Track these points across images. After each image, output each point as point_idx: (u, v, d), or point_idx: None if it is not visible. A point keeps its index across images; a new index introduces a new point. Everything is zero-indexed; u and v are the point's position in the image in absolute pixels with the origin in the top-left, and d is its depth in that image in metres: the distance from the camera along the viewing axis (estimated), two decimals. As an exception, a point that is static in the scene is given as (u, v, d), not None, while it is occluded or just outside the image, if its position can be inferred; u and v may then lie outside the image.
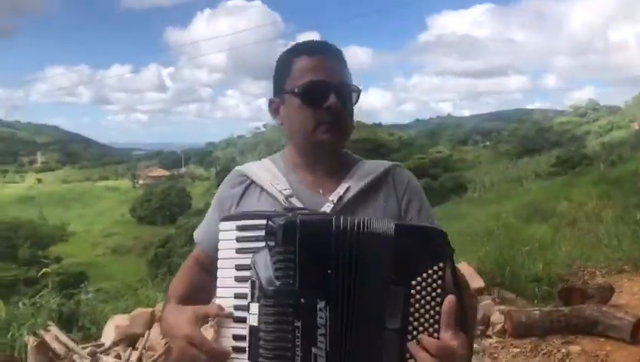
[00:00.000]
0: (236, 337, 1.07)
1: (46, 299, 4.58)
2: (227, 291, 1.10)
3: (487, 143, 77.50)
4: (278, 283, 1.03)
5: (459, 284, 1.10)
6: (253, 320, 1.05)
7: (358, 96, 1.35)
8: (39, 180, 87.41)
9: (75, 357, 3.89)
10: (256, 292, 1.05)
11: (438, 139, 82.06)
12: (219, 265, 1.13)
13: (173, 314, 1.18)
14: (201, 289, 1.29)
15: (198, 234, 1.42)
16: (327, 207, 1.28)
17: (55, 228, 48.38)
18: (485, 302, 4.48)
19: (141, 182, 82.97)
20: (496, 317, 4.29)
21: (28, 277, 21.60)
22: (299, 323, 1.02)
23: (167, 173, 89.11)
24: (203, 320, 1.12)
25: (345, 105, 1.30)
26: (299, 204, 1.28)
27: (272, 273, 1.03)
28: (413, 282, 1.04)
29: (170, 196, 60.20)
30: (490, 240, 6.44)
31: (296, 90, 1.28)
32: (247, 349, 1.06)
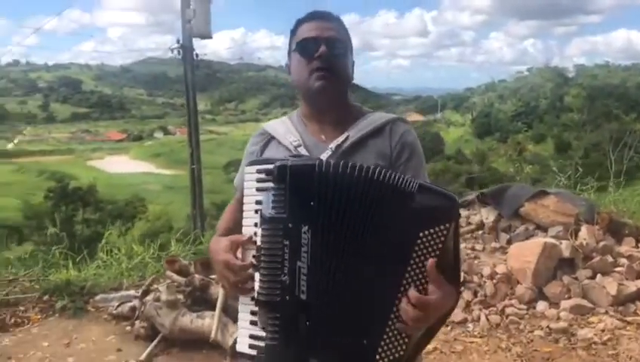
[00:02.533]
0: (254, 256, 1.33)
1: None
2: (249, 221, 1.36)
3: None
4: (273, 212, 1.28)
5: (458, 242, 1.29)
6: (259, 241, 1.30)
7: (352, 53, 1.56)
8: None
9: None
10: (260, 220, 1.30)
11: None
12: (244, 201, 1.38)
13: (215, 244, 1.46)
14: (239, 226, 1.43)
15: (235, 180, 1.67)
16: (326, 154, 1.48)
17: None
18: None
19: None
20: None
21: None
22: (287, 243, 1.26)
23: (422, 118, 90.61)
24: (236, 246, 1.38)
25: (336, 55, 1.49)
26: (305, 153, 1.50)
27: (270, 205, 1.29)
28: (421, 234, 1.21)
29: (424, 141, 60.95)
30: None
31: (294, 47, 1.53)
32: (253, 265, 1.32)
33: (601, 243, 4.48)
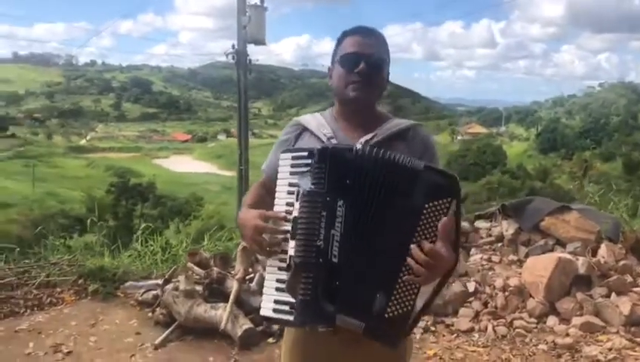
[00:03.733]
0: (284, 231, 1.52)
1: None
2: (282, 201, 1.56)
3: None
4: (313, 187, 1.47)
5: (459, 219, 1.47)
6: (295, 213, 1.49)
7: (388, 67, 1.74)
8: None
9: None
10: (299, 196, 1.49)
11: None
12: (278, 183, 1.58)
13: (245, 213, 1.64)
14: (262, 203, 1.70)
15: (264, 166, 1.85)
16: (359, 145, 1.63)
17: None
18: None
19: (459, 137, 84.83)
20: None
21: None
22: (324, 213, 1.45)
23: (485, 130, 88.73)
24: (266, 218, 1.56)
25: (373, 71, 1.67)
26: None
27: (310, 182, 1.48)
28: (427, 204, 1.42)
29: (485, 154, 60.50)
30: None
31: (338, 59, 1.72)
32: (289, 234, 1.50)
33: (622, 262, 4.38)
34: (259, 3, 11.37)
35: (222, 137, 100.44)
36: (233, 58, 11.84)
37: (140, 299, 4.66)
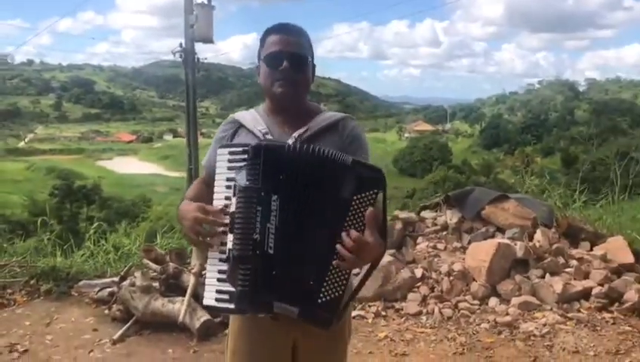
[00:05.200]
0: (224, 224, 1.59)
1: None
2: (220, 195, 1.63)
3: None
4: (248, 183, 1.55)
5: (385, 209, 1.62)
6: (232, 208, 1.57)
7: (312, 63, 1.82)
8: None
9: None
10: (236, 191, 1.56)
11: None
12: (216, 178, 1.65)
13: (185, 205, 1.71)
14: (202, 198, 1.74)
15: (204, 161, 1.90)
16: (291, 141, 1.71)
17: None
18: (625, 277, 4.48)
19: (406, 135, 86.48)
20: (630, 295, 4.27)
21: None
22: (259, 208, 1.54)
23: (431, 127, 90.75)
24: (205, 211, 1.62)
25: (296, 68, 1.74)
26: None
27: (245, 178, 1.55)
28: (355, 196, 1.52)
29: (431, 150, 61.92)
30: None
31: (262, 58, 1.78)
32: (228, 228, 1.58)
33: (555, 246, 4.73)
34: (206, 2, 11.40)
35: (168, 137, 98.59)
36: (181, 56, 11.81)
37: (95, 297, 4.67)
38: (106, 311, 4.47)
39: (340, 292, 1.56)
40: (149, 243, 5.67)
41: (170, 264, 4.53)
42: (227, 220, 1.59)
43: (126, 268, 4.77)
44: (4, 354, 3.82)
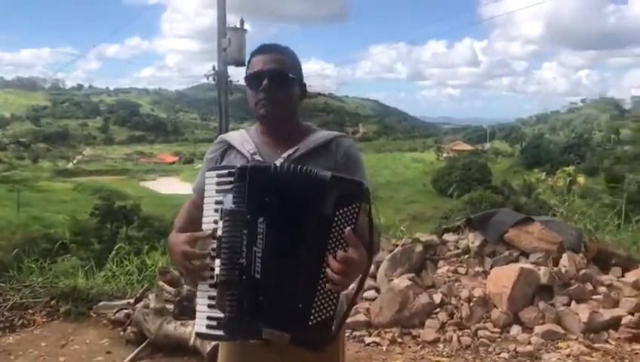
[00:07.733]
0: (213, 249, 1.56)
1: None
2: (209, 218, 1.59)
3: None
4: (233, 206, 1.52)
5: (372, 219, 1.56)
6: (220, 232, 1.54)
7: (300, 81, 1.78)
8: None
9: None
10: (222, 214, 1.53)
11: None
12: (205, 201, 1.61)
13: (174, 238, 1.66)
14: (194, 222, 1.67)
15: (194, 185, 1.87)
16: (279, 162, 1.65)
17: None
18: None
19: (445, 155, 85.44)
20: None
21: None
22: (245, 231, 1.51)
23: (470, 147, 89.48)
24: (194, 239, 1.60)
25: (277, 85, 1.69)
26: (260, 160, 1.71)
27: (231, 201, 1.52)
28: (337, 212, 1.47)
29: (470, 171, 60.94)
30: None
31: (245, 80, 1.76)
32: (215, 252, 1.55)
33: (582, 271, 4.50)
34: (238, 25, 11.62)
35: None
36: (214, 79, 12.05)
37: (112, 318, 4.69)
38: (121, 333, 4.47)
39: (331, 312, 1.52)
40: (165, 266, 5.69)
41: (185, 286, 4.52)
42: (215, 245, 1.56)
43: (141, 290, 4.77)
44: (18, 374, 3.86)
